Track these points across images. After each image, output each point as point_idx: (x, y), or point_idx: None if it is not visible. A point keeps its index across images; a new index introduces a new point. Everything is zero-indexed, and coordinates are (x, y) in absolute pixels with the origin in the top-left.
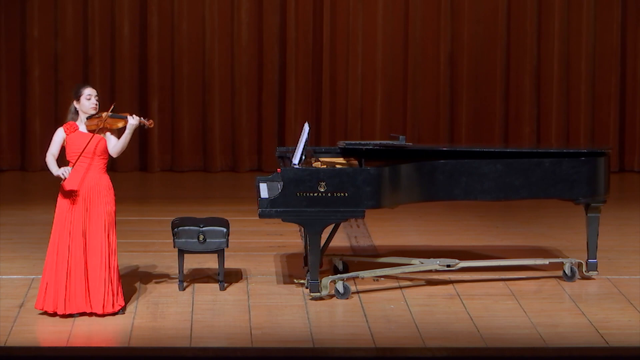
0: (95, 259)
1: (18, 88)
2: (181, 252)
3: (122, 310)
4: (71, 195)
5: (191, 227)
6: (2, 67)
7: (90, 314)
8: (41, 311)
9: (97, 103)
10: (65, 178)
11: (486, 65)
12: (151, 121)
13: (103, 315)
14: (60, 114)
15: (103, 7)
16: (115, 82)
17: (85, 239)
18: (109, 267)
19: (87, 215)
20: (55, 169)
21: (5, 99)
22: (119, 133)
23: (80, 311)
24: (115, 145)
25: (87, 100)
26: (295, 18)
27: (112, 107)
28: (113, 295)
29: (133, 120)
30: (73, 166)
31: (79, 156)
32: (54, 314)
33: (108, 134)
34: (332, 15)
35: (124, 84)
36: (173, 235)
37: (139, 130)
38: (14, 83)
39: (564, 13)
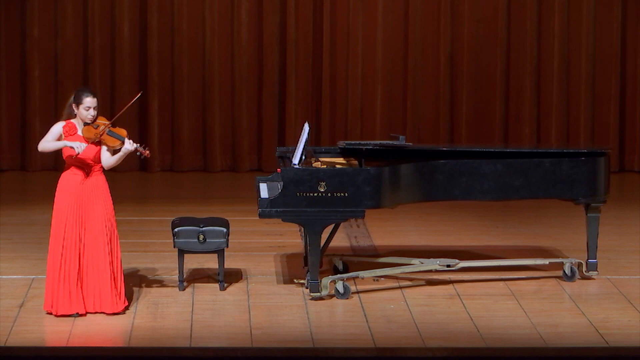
0: (98, 259)
1: (18, 88)
2: (181, 252)
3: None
4: (71, 194)
5: (191, 227)
6: (2, 67)
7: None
8: (47, 312)
9: (96, 114)
10: (79, 153)
11: (486, 65)
12: (148, 152)
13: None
14: (60, 114)
15: (103, 7)
16: (115, 82)
17: (84, 239)
18: (112, 266)
19: (86, 217)
20: (62, 143)
21: (5, 99)
22: (113, 151)
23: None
24: (108, 159)
25: (86, 111)
26: (295, 18)
27: (111, 121)
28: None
29: (129, 147)
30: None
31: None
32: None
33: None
34: (332, 15)
35: (124, 84)
36: (173, 235)
37: (139, 129)
38: (14, 83)
39: (564, 13)
